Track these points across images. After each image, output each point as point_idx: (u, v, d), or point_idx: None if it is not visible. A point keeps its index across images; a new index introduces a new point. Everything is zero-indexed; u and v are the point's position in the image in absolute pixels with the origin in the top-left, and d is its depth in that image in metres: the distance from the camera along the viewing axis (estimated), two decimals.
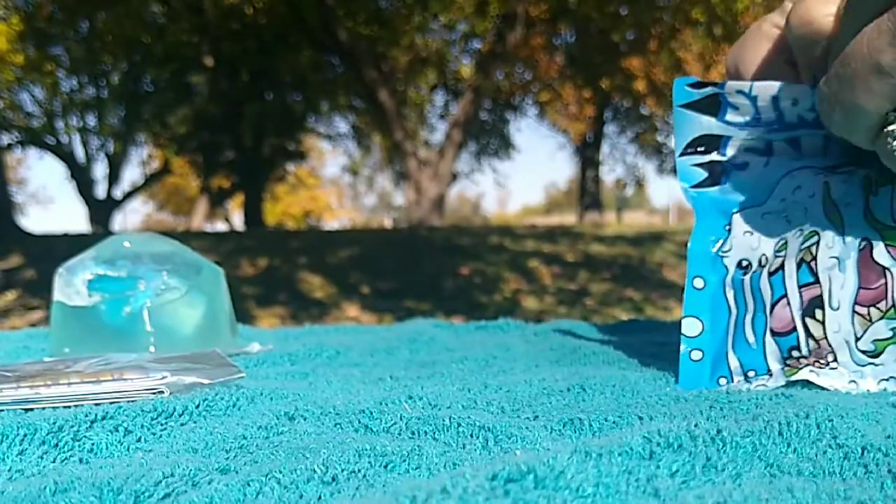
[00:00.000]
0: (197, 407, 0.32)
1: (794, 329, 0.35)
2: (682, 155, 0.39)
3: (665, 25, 7.89)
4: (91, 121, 10.70)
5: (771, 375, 0.35)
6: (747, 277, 0.37)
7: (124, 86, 9.81)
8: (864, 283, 0.35)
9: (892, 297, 0.34)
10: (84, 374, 0.35)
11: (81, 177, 10.48)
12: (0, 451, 0.27)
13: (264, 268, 6.07)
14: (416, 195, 9.00)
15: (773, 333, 0.36)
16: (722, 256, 0.37)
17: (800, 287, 0.35)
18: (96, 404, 0.32)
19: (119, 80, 9.89)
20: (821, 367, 0.34)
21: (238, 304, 0.61)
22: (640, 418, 0.29)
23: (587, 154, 12.96)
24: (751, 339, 0.36)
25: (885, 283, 0.34)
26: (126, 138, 10.81)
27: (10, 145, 9.99)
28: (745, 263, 0.37)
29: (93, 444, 0.28)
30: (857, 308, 0.34)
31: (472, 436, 0.28)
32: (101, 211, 10.54)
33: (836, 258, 0.35)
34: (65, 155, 10.40)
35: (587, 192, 12.77)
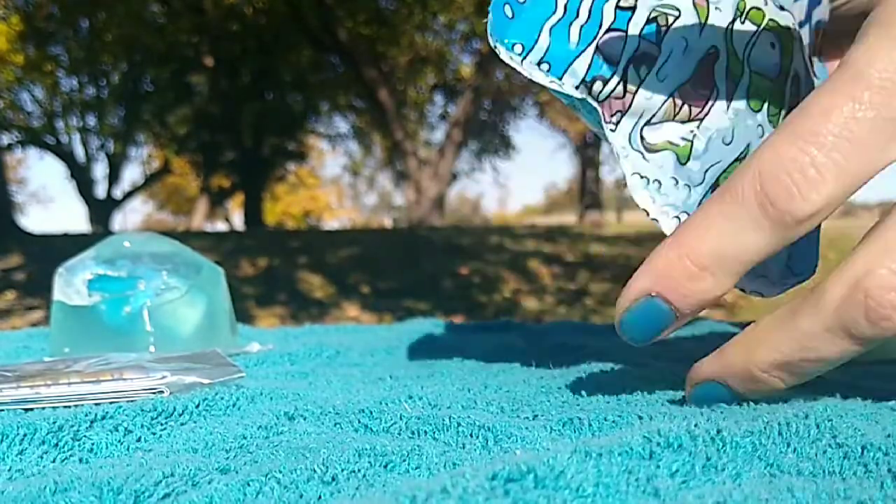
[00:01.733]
0: (197, 407, 0.32)
1: (617, 63, 0.32)
2: None
3: None
4: (91, 120, 10.70)
5: (562, 82, 0.32)
6: None
7: (124, 86, 9.81)
8: (694, 81, 0.33)
9: (706, 111, 0.33)
10: (84, 373, 0.35)
11: (81, 176, 10.48)
12: (0, 450, 0.27)
13: (264, 268, 6.07)
14: (416, 195, 9.01)
15: (599, 50, 0.32)
16: None
17: (641, 36, 0.32)
18: (96, 404, 0.32)
19: (119, 80, 9.89)
20: (605, 121, 0.33)
21: (238, 304, 0.61)
22: (640, 418, 0.29)
23: (587, 154, 12.97)
24: (574, 39, 0.33)
25: (709, 97, 0.33)
26: (126, 138, 10.82)
27: (10, 145, 10.00)
28: None
29: (93, 444, 0.28)
30: (676, 97, 0.32)
31: (471, 435, 0.28)
32: (101, 211, 10.54)
33: (685, 39, 0.33)
34: (65, 155, 10.40)
35: (587, 192, 12.77)
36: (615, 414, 0.29)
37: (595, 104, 0.33)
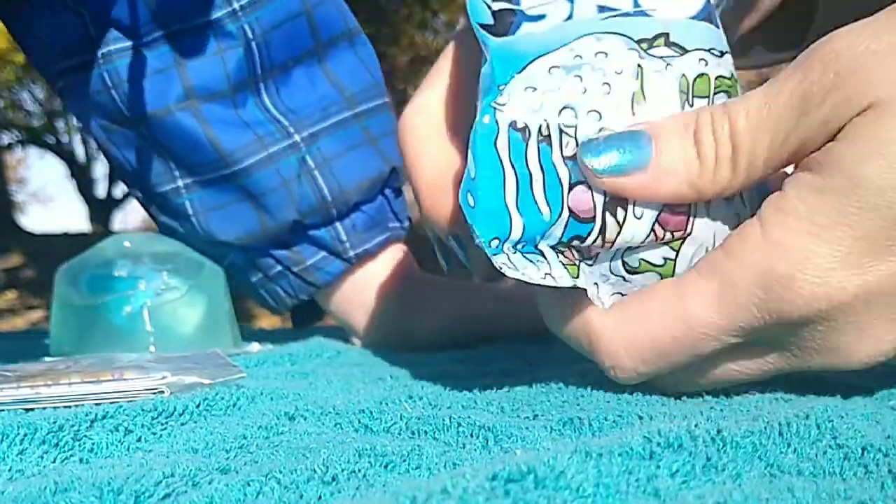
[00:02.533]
0: (197, 407, 0.32)
1: (593, 220, 0.31)
2: None
3: None
4: None
5: (546, 261, 0.31)
6: (532, 147, 0.31)
7: None
8: (668, 204, 0.31)
9: (689, 229, 0.31)
10: (84, 373, 0.35)
11: (81, 176, 10.48)
12: (0, 450, 0.27)
13: None
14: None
15: (571, 214, 0.31)
16: (495, 108, 0.32)
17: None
18: (97, 404, 0.32)
19: None
20: (582, 261, 0.32)
21: (238, 304, 0.61)
22: (641, 418, 0.29)
23: None
24: (544, 208, 0.31)
25: (688, 214, 0.31)
26: None
27: (10, 145, 10.00)
28: (520, 125, 0.31)
29: (93, 444, 0.28)
30: (657, 227, 0.31)
31: (472, 435, 0.28)
32: (102, 210, 10.55)
33: None
34: (65, 154, 10.41)
35: None
36: (615, 414, 0.29)
37: (580, 263, 0.32)
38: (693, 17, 0.33)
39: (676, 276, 0.32)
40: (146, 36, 0.60)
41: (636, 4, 0.33)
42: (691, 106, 0.32)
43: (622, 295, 0.32)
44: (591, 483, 0.20)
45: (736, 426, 0.24)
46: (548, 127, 0.31)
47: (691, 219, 0.31)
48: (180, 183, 0.62)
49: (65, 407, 0.32)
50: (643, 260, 0.32)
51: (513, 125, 0.31)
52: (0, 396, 0.33)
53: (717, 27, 0.34)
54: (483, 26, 0.33)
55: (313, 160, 0.61)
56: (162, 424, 0.30)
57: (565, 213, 0.31)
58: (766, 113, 0.28)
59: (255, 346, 0.56)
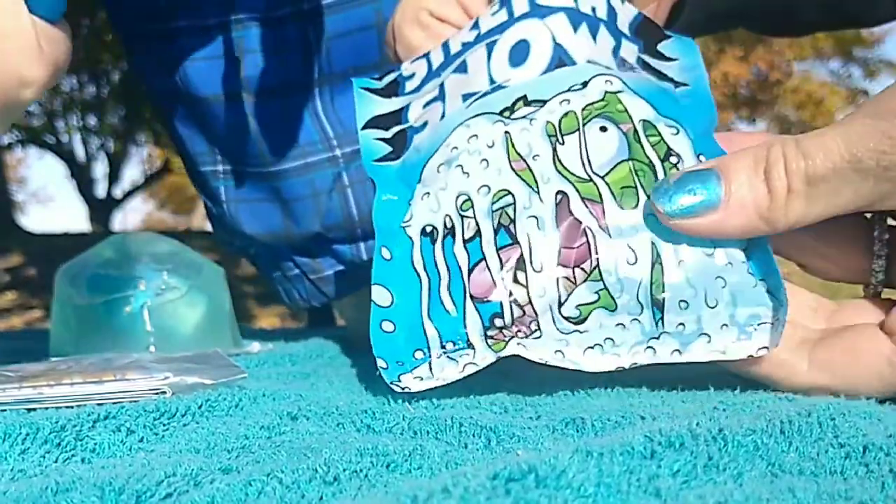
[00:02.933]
0: (199, 407, 0.32)
1: (497, 294, 0.32)
2: (364, 128, 0.37)
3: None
4: (91, 120, 10.70)
5: (474, 349, 0.32)
6: (438, 245, 0.33)
7: (124, 85, 9.81)
8: (565, 243, 0.32)
9: (595, 256, 0.32)
10: (86, 373, 0.35)
11: (82, 176, 10.48)
12: (2, 450, 0.27)
13: None
14: None
15: (474, 299, 0.32)
16: (404, 227, 0.34)
17: (498, 250, 0.33)
18: (99, 404, 0.32)
19: (119, 80, 9.89)
20: (525, 337, 0.32)
21: (238, 304, 0.61)
22: (643, 418, 0.29)
23: None
24: (449, 306, 0.33)
25: (587, 242, 0.32)
26: (126, 137, 10.81)
27: (10, 144, 10.00)
28: (429, 229, 0.33)
29: (95, 444, 0.28)
30: (561, 270, 0.32)
31: (474, 435, 0.28)
32: (102, 210, 10.53)
33: (535, 217, 0.32)
34: (65, 154, 10.40)
35: None
36: (618, 414, 0.29)
37: (512, 339, 0.32)
38: (544, 72, 0.36)
39: (619, 299, 0.31)
40: (213, 18, 0.60)
41: (492, 81, 0.36)
42: (562, 144, 0.33)
43: (592, 348, 0.32)
44: (592, 483, 0.20)
45: (737, 425, 0.24)
46: (450, 219, 0.33)
47: (592, 247, 0.32)
48: (220, 168, 0.63)
49: (67, 407, 0.32)
50: (579, 305, 0.32)
51: (423, 232, 0.34)
52: (2, 396, 0.33)
53: (574, 63, 0.36)
54: (380, 160, 0.36)
55: (349, 178, 0.61)
56: (164, 425, 0.30)
57: (468, 303, 0.32)
58: (845, 163, 0.28)
59: (255, 346, 0.56)
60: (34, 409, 0.33)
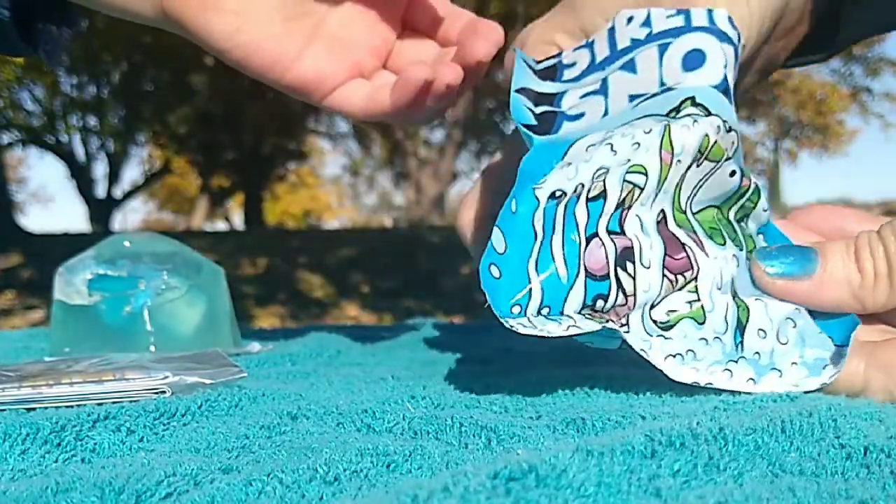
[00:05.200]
0: (199, 407, 0.32)
1: (608, 276, 0.33)
2: (517, 91, 0.37)
3: None
4: (91, 120, 10.70)
5: (573, 319, 0.32)
6: (561, 205, 0.33)
7: (124, 85, 9.81)
8: (669, 251, 0.34)
9: (696, 266, 0.33)
10: (86, 373, 0.35)
11: (81, 176, 10.47)
12: (2, 450, 0.27)
13: (264, 267, 6.07)
14: (417, 194, 9.00)
15: (588, 273, 0.33)
16: (535, 189, 0.34)
17: (609, 233, 0.33)
18: (99, 404, 0.32)
19: (119, 80, 9.89)
20: (617, 328, 0.33)
21: (238, 304, 0.61)
22: (643, 417, 0.29)
23: None
24: (561, 267, 0.33)
25: (688, 255, 0.34)
26: (126, 138, 10.81)
27: (10, 144, 10.00)
28: (558, 193, 0.33)
29: (95, 444, 0.28)
30: (667, 273, 0.33)
31: (474, 435, 0.28)
32: (102, 210, 10.53)
33: (639, 218, 0.34)
34: (65, 154, 10.40)
35: None
36: (619, 414, 0.29)
37: (611, 326, 0.32)
38: (715, 87, 0.35)
39: (709, 314, 0.33)
40: None
41: (662, 83, 0.36)
42: (698, 166, 0.34)
43: (673, 357, 0.33)
44: (592, 482, 0.20)
45: (738, 424, 0.24)
46: (582, 186, 0.34)
47: (693, 260, 0.34)
48: None
49: (67, 407, 0.32)
50: (670, 311, 0.33)
51: (552, 195, 0.34)
52: (2, 396, 0.33)
53: (731, 103, 0.36)
54: (527, 126, 0.36)
55: None
56: (164, 424, 0.30)
57: (582, 273, 0.33)
58: None
59: (255, 346, 0.56)
60: (34, 409, 0.33)
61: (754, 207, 0.36)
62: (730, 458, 0.23)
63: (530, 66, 0.39)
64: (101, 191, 10.78)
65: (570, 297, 0.32)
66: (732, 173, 0.35)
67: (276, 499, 0.22)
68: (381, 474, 0.24)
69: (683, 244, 0.34)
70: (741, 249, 0.35)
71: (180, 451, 0.27)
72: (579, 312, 0.33)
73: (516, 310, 0.32)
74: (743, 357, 0.32)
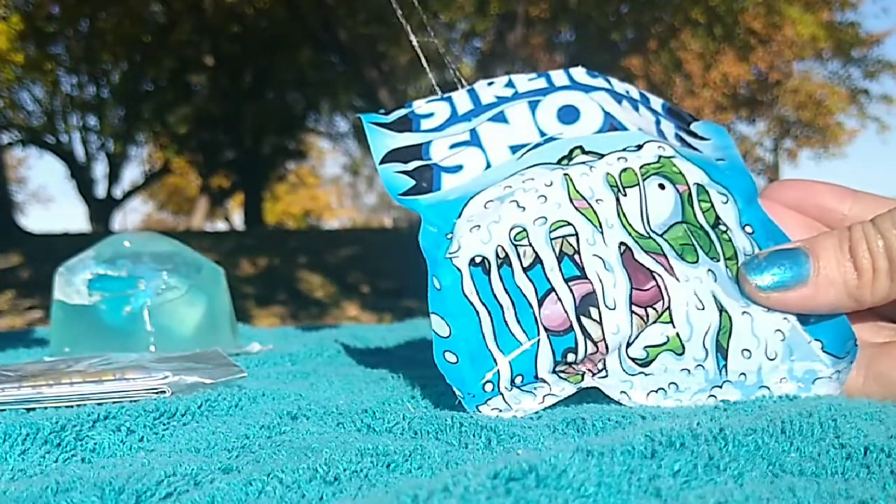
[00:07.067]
0: (199, 407, 0.32)
1: (571, 328, 0.32)
2: (382, 163, 0.36)
3: (665, 25, 7.88)
4: (91, 120, 10.70)
5: (547, 383, 0.32)
6: (494, 276, 0.33)
7: (124, 85, 9.81)
8: (636, 285, 0.32)
9: (667, 296, 0.32)
10: (86, 373, 0.35)
11: (81, 176, 10.47)
12: (2, 450, 0.27)
13: (264, 267, 6.07)
14: None
15: (548, 332, 0.32)
16: (451, 258, 0.34)
17: (566, 281, 0.32)
18: (99, 404, 0.32)
19: (119, 80, 9.89)
20: (593, 376, 0.32)
21: (238, 304, 0.61)
22: (643, 417, 0.29)
23: None
24: (520, 336, 0.32)
25: (657, 284, 0.32)
26: (126, 138, 10.81)
27: (10, 144, 9.99)
28: (478, 260, 0.33)
29: (95, 444, 0.28)
30: (635, 308, 0.32)
31: (474, 435, 0.28)
32: (102, 210, 10.53)
33: (601, 258, 0.33)
34: (65, 154, 10.40)
35: None
36: (619, 414, 0.29)
37: (587, 383, 0.32)
38: (597, 132, 0.36)
39: (687, 343, 0.32)
40: None
41: (542, 134, 0.36)
42: (625, 196, 0.34)
43: (655, 392, 0.32)
44: (592, 482, 0.20)
45: (738, 424, 0.24)
46: (503, 249, 0.33)
47: (662, 288, 0.32)
48: None
49: (67, 407, 0.32)
50: (647, 347, 0.32)
51: (472, 262, 0.33)
52: (2, 396, 0.33)
53: (625, 129, 0.36)
54: (405, 194, 0.36)
55: None
56: (164, 424, 0.30)
57: (542, 335, 0.32)
58: None
59: (255, 346, 0.56)
60: (34, 409, 0.33)
61: (711, 206, 0.34)
62: (730, 458, 0.23)
63: (380, 123, 0.38)
64: (101, 191, 10.78)
65: (539, 361, 0.32)
66: (661, 186, 0.34)
67: (276, 499, 0.22)
68: (381, 474, 0.24)
69: (652, 272, 0.33)
70: (717, 260, 0.33)
71: (180, 451, 0.27)
72: (553, 372, 0.32)
73: (489, 387, 0.32)
74: (728, 381, 0.32)
